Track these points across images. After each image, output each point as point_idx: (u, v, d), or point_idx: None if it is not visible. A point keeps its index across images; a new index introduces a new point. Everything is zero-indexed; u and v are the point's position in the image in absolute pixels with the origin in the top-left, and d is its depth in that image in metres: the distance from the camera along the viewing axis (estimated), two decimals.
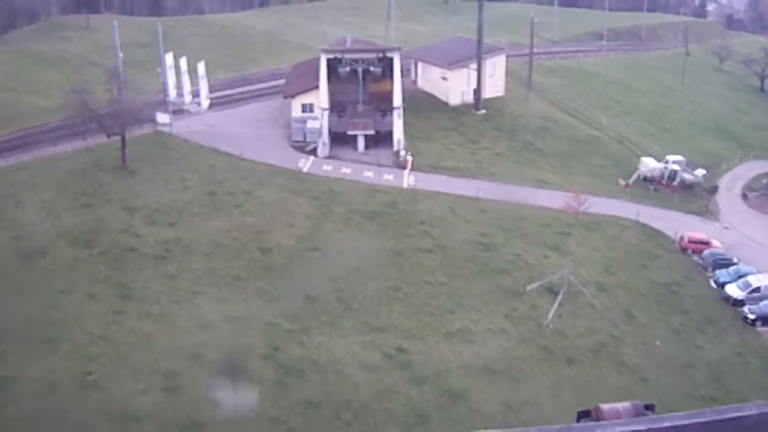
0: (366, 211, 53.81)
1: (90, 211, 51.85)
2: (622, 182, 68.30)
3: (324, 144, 63.73)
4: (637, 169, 70.28)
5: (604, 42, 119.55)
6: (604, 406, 28.17)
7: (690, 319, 49.75)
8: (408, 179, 60.49)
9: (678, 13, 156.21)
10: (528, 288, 47.72)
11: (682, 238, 58.59)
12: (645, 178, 70.01)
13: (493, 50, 79.65)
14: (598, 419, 26.48)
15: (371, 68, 64.69)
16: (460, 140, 69.85)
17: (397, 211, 54.52)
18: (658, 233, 59.58)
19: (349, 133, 65.00)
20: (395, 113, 65.00)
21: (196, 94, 65.73)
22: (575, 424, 22.09)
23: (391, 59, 64.66)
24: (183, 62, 64.47)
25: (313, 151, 63.35)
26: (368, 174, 60.59)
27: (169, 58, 64.57)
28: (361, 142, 65.00)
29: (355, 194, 56.31)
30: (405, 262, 48.71)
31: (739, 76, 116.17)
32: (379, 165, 62.06)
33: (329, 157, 63.20)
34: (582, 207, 48.40)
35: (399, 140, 64.87)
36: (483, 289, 47.55)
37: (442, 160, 64.37)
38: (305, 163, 61.34)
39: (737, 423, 12.41)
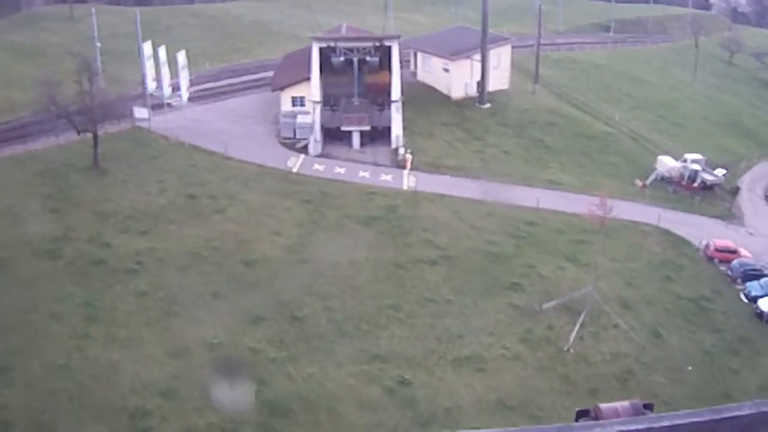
0: (362, 217, 48.58)
1: (58, 217, 46.79)
2: (639, 183, 63.17)
3: (316, 141, 58.47)
4: (654, 168, 65.12)
5: (611, 33, 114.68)
6: (603, 406, 27.64)
7: (722, 338, 44.60)
8: (408, 180, 55.27)
9: (683, 5, 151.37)
10: (545, 306, 42.54)
11: (707, 246, 53.30)
12: (663, 179, 64.84)
13: (498, 40, 74.41)
14: (596, 418, 25.81)
15: (367, 58, 59.22)
16: (463, 137, 64.60)
17: (396, 217, 49.28)
18: (681, 240, 54.39)
19: (343, 129, 59.73)
20: (394, 107, 59.70)
21: (176, 86, 60.35)
22: (574, 423, 21.21)
23: (389, 48, 59.29)
24: (162, 52, 59.09)
25: (304, 149, 58.04)
26: (364, 174, 55.32)
27: (147, 47, 59.23)
28: (356, 139, 59.72)
29: (349, 197, 51.07)
30: (406, 276, 43.48)
31: (750, 69, 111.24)
32: (376, 164, 56.78)
33: (321, 155, 57.94)
34: (608, 214, 43.13)
35: (398, 137, 59.65)
36: (494, 307, 42.33)
37: (445, 159, 59.09)
38: (295, 163, 56.01)
39: (736, 422, 12.17)
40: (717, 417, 12.15)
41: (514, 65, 77.02)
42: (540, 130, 68.69)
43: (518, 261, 47.01)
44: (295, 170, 54.69)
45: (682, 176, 64.73)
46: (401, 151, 58.07)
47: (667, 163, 65.32)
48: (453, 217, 50.47)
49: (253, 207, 48.09)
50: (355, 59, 59.00)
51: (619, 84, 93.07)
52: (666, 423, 11.92)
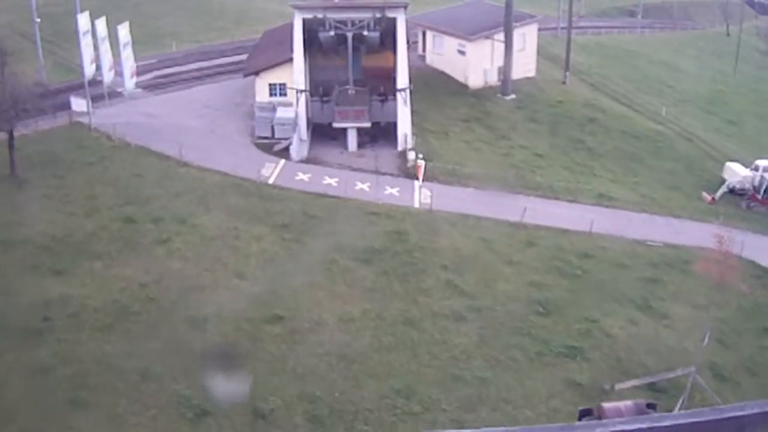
0: (359, 249, 35.57)
1: None
2: (708, 197, 50.25)
3: (300, 141, 45.45)
4: (721, 178, 52.29)
5: (639, 18, 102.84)
6: (606, 405, 26.08)
7: None
8: (420, 195, 42.26)
9: None
10: (618, 386, 29.68)
11: None
12: (732, 190, 51.99)
13: (524, 18, 61.43)
14: (599, 418, 24.63)
15: (365, 33, 45.69)
16: (486, 135, 51.67)
17: (406, 249, 36.26)
18: None
19: (336, 125, 46.76)
20: (400, 98, 46.69)
21: (119, 70, 47.43)
22: (577, 423, 19.52)
23: (394, 21, 46.02)
24: (101, 25, 45.85)
25: (285, 152, 44.95)
26: (362, 187, 42.27)
27: (83, 19, 45.94)
28: (352, 139, 46.72)
29: (342, 220, 38.03)
30: (421, 340, 30.53)
31: None
32: (379, 173, 43.69)
33: (307, 160, 44.94)
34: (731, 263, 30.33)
35: (405, 136, 46.68)
36: (547, 387, 29.45)
37: (466, 165, 45.97)
38: (272, 171, 42.90)
39: (738, 422, 11.49)
40: (719, 417, 11.84)
41: (537, 50, 64.33)
42: (578, 127, 55.84)
43: (574, 312, 34.10)
44: (271, 181, 41.61)
45: (755, 188, 51.82)
46: (411, 155, 45.04)
47: (738, 172, 52.33)
48: (482, 247, 37.53)
49: (210, 235, 35.07)
50: (350, 35, 45.51)
51: (657, 73, 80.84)
52: (668, 423, 11.61)
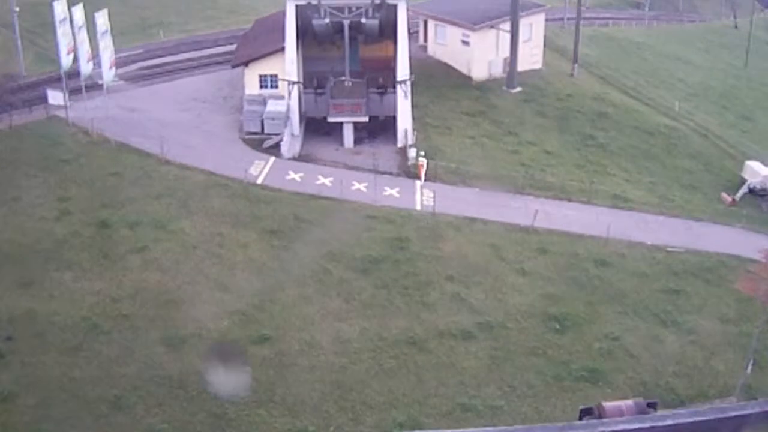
0: (356, 258, 32.29)
1: None
2: (728, 198, 47.03)
3: (292, 137, 42.17)
4: (741, 177, 49.07)
5: (646, 10, 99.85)
6: (607, 404, 24.89)
7: None
8: (422, 196, 38.96)
9: None
10: None
11: None
12: (752, 191, 48.81)
13: (530, 7, 58.07)
14: (600, 417, 24.05)
15: (363, 21, 42.30)
16: (492, 131, 48.36)
17: (407, 257, 32.99)
18: None
19: (331, 120, 43.46)
20: (400, 90, 43.37)
21: (97, 61, 44.06)
22: (578, 422, 20.41)
23: (394, 7, 42.62)
24: (78, 13, 42.41)
25: (275, 149, 41.62)
26: (360, 187, 38.97)
27: (59, 6, 42.54)
28: (348, 135, 43.42)
29: (337, 225, 34.75)
30: (426, 363, 27.30)
31: None
32: (377, 171, 40.33)
33: (300, 157, 41.66)
34: None
35: (406, 132, 43.40)
36: (568, 416, 26.15)
37: (472, 164, 42.64)
38: (260, 169, 39.57)
39: (739, 421, 11.85)
40: (720, 416, 12.70)
41: (544, 41, 61.10)
42: (589, 122, 52.55)
43: (593, 329, 30.90)
44: (259, 181, 38.28)
45: None
46: (412, 152, 41.72)
47: (759, 171, 49.07)
48: (491, 255, 34.26)
49: (191, 243, 31.77)
50: (347, 23, 42.09)
51: (667, 67, 77.61)
52: (669, 422, 12.52)
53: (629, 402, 25.53)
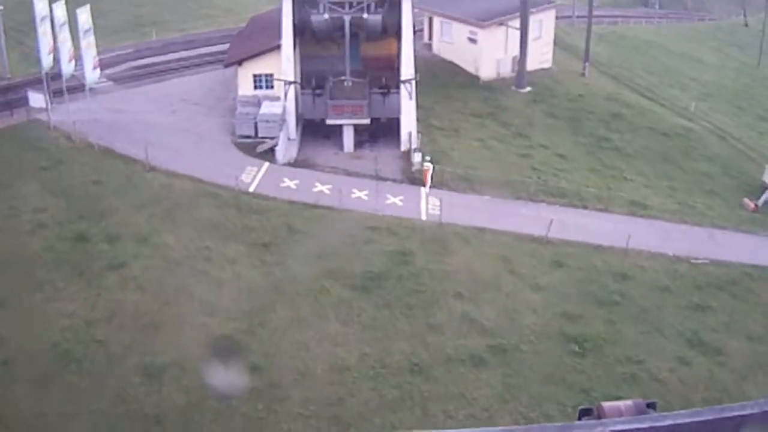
0: (355, 275, 29.57)
1: None
2: (750, 204, 44.27)
3: (288, 141, 39.50)
4: (763, 181, 46.32)
5: (656, 8, 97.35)
6: (606, 404, 19.52)
7: None
8: (428, 205, 36.23)
9: None
10: None
11: None
12: None
13: (540, 3, 55.44)
14: (599, 417, 19.02)
15: (365, 16, 39.58)
16: (501, 133, 45.71)
17: (411, 272, 30.26)
18: None
19: (329, 122, 40.76)
20: (404, 90, 40.69)
21: (79, 61, 41.52)
22: (576, 422, 17.37)
23: (398, 3, 39.93)
24: (60, 10, 39.82)
25: (269, 154, 38.94)
26: (360, 195, 36.26)
27: (40, 3, 40.01)
28: (348, 138, 40.72)
29: (335, 237, 32.04)
30: (432, 394, 24.58)
31: None
32: (379, 178, 37.65)
33: (296, 163, 38.97)
34: None
35: (410, 135, 40.71)
36: None
37: (480, 168, 39.90)
38: (253, 176, 36.87)
39: (739, 421, 11.60)
40: (719, 416, 11.69)
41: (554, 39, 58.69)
42: (603, 124, 49.94)
43: (615, 351, 28.19)
44: (251, 189, 35.59)
45: None
46: (416, 157, 39.03)
47: None
48: (502, 269, 31.54)
49: (175, 258, 29.09)
50: (347, 18, 39.39)
51: (678, 65, 75.28)
52: (669, 422, 11.52)
53: (628, 402, 23.93)
